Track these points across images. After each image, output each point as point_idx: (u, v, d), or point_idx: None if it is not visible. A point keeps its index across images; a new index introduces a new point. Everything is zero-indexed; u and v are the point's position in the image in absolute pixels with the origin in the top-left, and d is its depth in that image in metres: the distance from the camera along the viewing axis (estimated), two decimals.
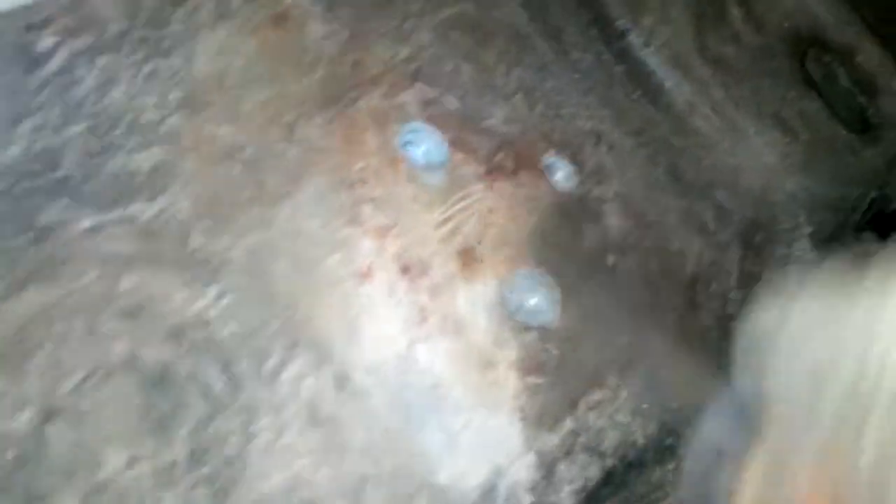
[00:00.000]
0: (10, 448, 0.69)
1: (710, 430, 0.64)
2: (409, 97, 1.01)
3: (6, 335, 0.71)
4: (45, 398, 0.71)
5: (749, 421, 0.59)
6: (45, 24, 0.69)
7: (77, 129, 0.75)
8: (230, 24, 0.83)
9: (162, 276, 0.80)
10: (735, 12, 1.28)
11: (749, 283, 1.22)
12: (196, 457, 0.74)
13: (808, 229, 1.25)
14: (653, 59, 1.21)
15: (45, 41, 0.71)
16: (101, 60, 0.75)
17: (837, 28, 1.41)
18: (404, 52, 1.02)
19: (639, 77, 1.21)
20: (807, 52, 1.35)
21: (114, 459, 0.71)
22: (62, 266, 0.75)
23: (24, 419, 0.70)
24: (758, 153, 1.21)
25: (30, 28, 0.68)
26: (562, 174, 1.10)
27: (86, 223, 0.77)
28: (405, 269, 0.93)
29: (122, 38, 0.75)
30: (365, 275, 0.90)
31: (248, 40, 0.86)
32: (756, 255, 1.23)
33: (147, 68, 0.78)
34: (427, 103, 1.02)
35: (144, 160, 0.81)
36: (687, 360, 1.12)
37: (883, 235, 1.26)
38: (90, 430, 0.71)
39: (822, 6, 1.41)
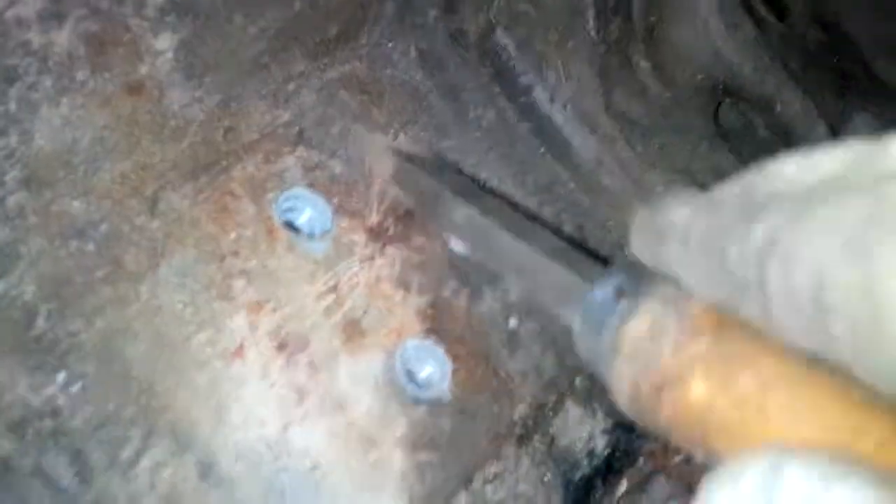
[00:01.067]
0: None
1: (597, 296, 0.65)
2: (291, 163, 0.98)
3: None
4: None
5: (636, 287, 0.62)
6: None
7: None
8: (74, 97, 0.79)
9: (4, 364, 0.75)
10: (643, 65, 1.25)
11: None
12: None
13: None
14: (559, 116, 1.17)
15: None
16: None
17: (756, 77, 1.39)
18: (285, 115, 0.99)
19: (544, 134, 1.18)
20: (721, 103, 1.32)
21: None
22: None
23: None
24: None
25: None
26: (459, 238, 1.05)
27: None
28: (281, 346, 0.89)
29: None
30: (235, 354, 0.86)
31: (98, 112, 0.82)
32: None
33: None
34: (310, 168, 0.99)
35: None
36: (597, 420, 1.09)
37: None
38: None
39: (740, 55, 1.38)
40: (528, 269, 0.84)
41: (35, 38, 0.77)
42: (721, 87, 1.36)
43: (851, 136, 1.16)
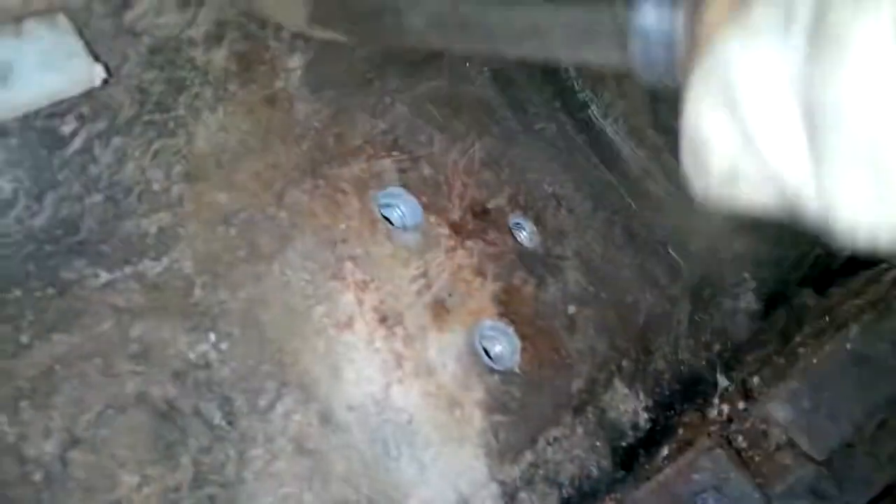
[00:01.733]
0: (38, 471, 0.82)
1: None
2: (387, 165, 1.16)
3: (35, 374, 0.84)
4: (68, 428, 0.84)
5: None
6: (66, 111, 0.82)
7: (95, 199, 0.89)
8: (227, 105, 0.97)
9: (168, 325, 0.93)
10: None
11: (698, 331, 1.36)
12: (198, 480, 0.87)
13: (752, 284, 1.39)
14: (611, 129, 1.35)
15: (67, 126, 0.85)
16: (115, 141, 0.88)
17: None
18: (382, 125, 1.16)
19: (598, 145, 1.35)
20: None
21: (127, 481, 0.84)
22: (81, 316, 0.88)
23: (49, 446, 0.82)
24: (706, 216, 1.34)
25: (53, 115, 0.82)
26: (526, 234, 1.24)
27: (102, 279, 0.90)
28: (383, 320, 1.06)
29: (133, 121, 0.89)
30: (346, 324, 1.04)
31: (243, 119, 1.00)
32: (705, 307, 1.37)
33: (154, 147, 0.92)
34: (403, 170, 1.16)
35: (152, 224, 0.95)
36: (640, 400, 1.26)
37: (820, 291, 1.40)
38: (106, 457, 0.84)
39: None
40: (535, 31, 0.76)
41: (199, 55, 0.95)
42: None
43: None
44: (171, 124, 0.93)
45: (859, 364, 1.04)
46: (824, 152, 0.48)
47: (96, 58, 0.77)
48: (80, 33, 0.77)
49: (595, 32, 0.69)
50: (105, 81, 0.77)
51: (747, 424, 1.07)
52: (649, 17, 0.61)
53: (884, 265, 1.28)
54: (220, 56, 0.96)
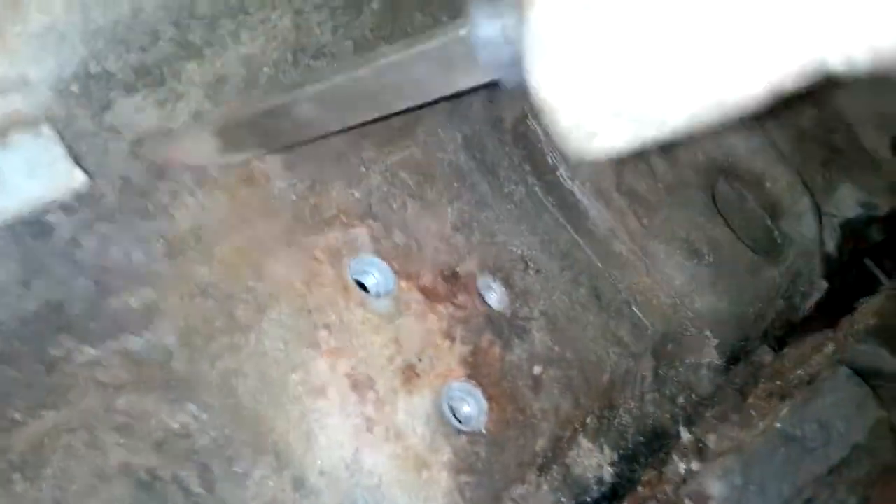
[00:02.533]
0: None
1: None
2: (362, 233, 1.23)
3: (26, 448, 0.91)
4: (57, 500, 0.90)
5: None
6: (51, 203, 0.89)
7: (80, 281, 0.96)
8: (206, 187, 1.04)
9: (150, 397, 1.00)
10: (651, 149, 1.50)
11: (663, 385, 1.43)
12: None
13: (715, 341, 1.47)
14: (578, 191, 1.42)
15: (53, 216, 0.92)
16: (99, 228, 0.95)
17: (750, 157, 1.65)
18: (357, 194, 1.23)
19: (566, 207, 1.43)
20: (717, 180, 1.58)
21: None
22: (68, 391, 0.95)
23: None
24: (669, 275, 1.42)
25: (41, 210, 0.89)
26: (495, 296, 1.31)
27: (87, 356, 0.97)
28: (354, 385, 1.13)
29: (116, 209, 0.96)
30: (320, 391, 1.10)
31: (222, 198, 1.07)
32: (669, 361, 1.44)
33: (137, 230, 0.99)
34: (377, 238, 1.23)
35: (134, 300, 1.01)
36: (604, 454, 1.33)
37: (778, 347, 1.48)
38: None
39: (736, 138, 1.64)
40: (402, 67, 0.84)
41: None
42: (718, 166, 1.62)
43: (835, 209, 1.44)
44: (152, 208, 1.00)
45: (788, 443, 1.12)
46: None
47: (77, 161, 0.84)
48: (62, 138, 0.84)
49: (447, 58, 0.77)
50: (86, 183, 0.84)
51: (695, 487, 1.14)
52: (484, 27, 0.70)
53: (829, 332, 1.36)
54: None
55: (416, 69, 0.82)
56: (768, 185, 1.63)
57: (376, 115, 0.93)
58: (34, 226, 0.90)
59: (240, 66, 1.00)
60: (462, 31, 0.73)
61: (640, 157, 1.47)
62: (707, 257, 1.45)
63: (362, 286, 1.21)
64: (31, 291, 0.91)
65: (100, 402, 0.97)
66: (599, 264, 1.42)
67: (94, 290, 0.98)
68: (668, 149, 1.52)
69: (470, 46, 0.73)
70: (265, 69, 1.03)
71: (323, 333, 1.14)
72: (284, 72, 1.05)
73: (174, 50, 0.93)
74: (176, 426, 1.00)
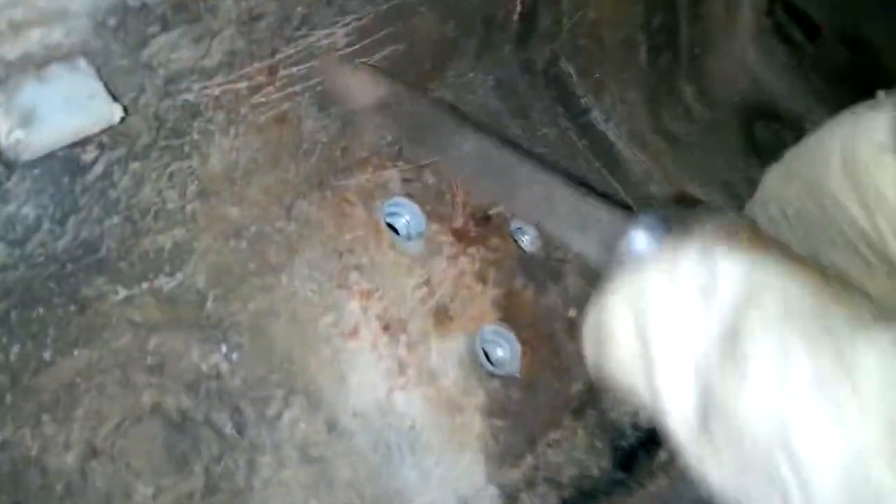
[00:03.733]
0: (59, 482, 0.89)
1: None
2: (393, 175, 1.22)
3: (57, 388, 0.91)
4: (88, 440, 0.91)
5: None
6: (87, 140, 0.89)
7: (114, 220, 0.95)
8: (238, 127, 1.04)
9: (182, 337, 1.00)
10: (688, 90, 1.48)
11: None
12: (210, 488, 0.94)
13: None
14: (613, 134, 1.41)
15: (88, 154, 0.91)
16: (133, 166, 0.95)
17: (788, 98, 1.62)
18: (388, 136, 1.22)
19: (600, 149, 1.41)
20: (755, 123, 1.56)
21: (143, 490, 0.91)
22: (101, 331, 0.95)
23: (70, 457, 0.90)
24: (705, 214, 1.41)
25: (75, 144, 0.88)
26: (527, 239, 1.30)
27: (120, 295, 0.97)
28: (386, 328, 1.13)
29: (150, 147, 0.95)
30: (352, 333, 1.10)
31: (254, 138, 1.06)
32: None
33: (170, 169, 0.99)
34: (408, 180, 1.22)
35: (167, 241, 1.01)
36: None
37: None
38: (124, 467, 0.91)
39: (773, 79, 1.62)
40: (547, 199, 0.89)
41: (212, 84, 1.01)
42: (756, 107, 1.60)
43: None
44: (186, 148, 0.99)
45: None
46: (711, 430, 0.58)
47: (114, 97, 0.83)
48: (99, 73, 0.83)
49: (589, 225, 0.82)
50: (123, 119, 0.83)
51: None
52: (638, 241, 0.73)
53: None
54: (231, 83, 1.02)
55: (564, 211, 0.87)
56: (807, 126, 1.61)
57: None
58: (70, 162, 0.89)
59: (273, 3, 0.98)
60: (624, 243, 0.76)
61: (676, 98, 1.46)
62: (746, 198, 1.43)
63: (393, 228, 1.20)
64: (65, 229, 0.91)
65: (132, 342, 0.97)
66: (635, 208, 1.40)
67: (128, 230, 0.97)
68: (704, 90, 1.50)
69: (625, 252, 0.75)
70: (299, 8, 1.01)
71: (354, 275, 1.13)
72: (318, 11, 1.04)
73: None
74: (207, 367, 1.00)
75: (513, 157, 0.94)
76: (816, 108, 1.60)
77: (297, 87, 1.07)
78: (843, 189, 0.71)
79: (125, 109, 0.82)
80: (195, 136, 0.98)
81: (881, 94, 0.86)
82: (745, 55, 1.54)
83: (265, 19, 0.97)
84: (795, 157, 0.85)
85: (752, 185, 1.46)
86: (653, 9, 1.48)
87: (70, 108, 0.79)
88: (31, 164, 0.83)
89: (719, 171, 1.45)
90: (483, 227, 1.25)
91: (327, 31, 1.06)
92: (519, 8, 1.33)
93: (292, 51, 1.05)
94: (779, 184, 0.86)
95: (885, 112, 0.71)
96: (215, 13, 0.91)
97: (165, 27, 0.86)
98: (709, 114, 1.47)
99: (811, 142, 0.86)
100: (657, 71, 1.47)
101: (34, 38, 0.78)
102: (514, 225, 1.28)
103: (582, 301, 1.25)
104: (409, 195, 1.21)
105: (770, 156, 1.55)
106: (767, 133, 1.57)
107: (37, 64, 0.77)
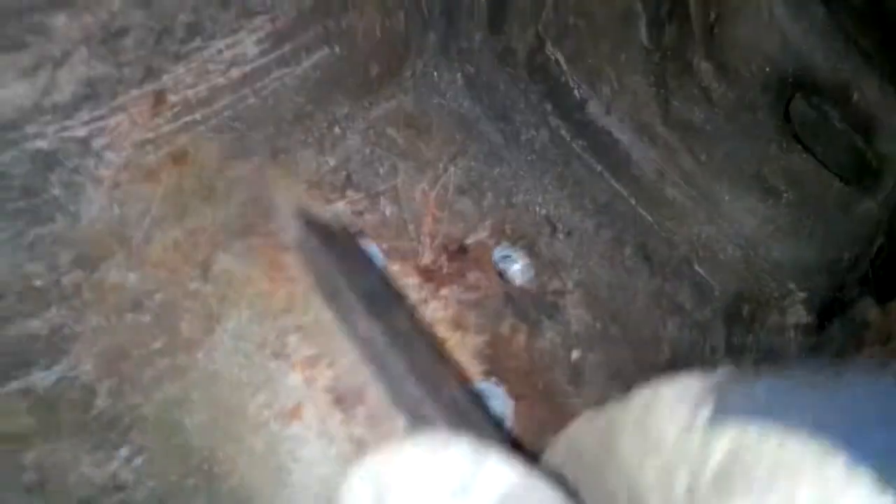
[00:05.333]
0: None
1: None
2: (340, 209, 1.02)
3: None
4: None
5: None
6: None
7: None
8: (118, 175, 0.85)
9: (65, 446, 0.81)
10: (704, 67, 1.26)
11: (741, 355, 1.20)
12: None
13: (801, 295, 1.23)
14: (616, 129, 1.19)
15: None
16: None
17: (827, 64, 1.38)
18: (332, 161, 1.03)
19: (601, 149, 1.20)
20: (791, 98, 1.33)
21: None
22: None
23: None
24: (738, 221, 1.19)
25: None
26: (516, 269, 1.09)
27: None
28: (338, 401, 0.93)
29: None
30: (292, 413, 0.91)
31: (144, 185, 0.87)
32: (745, 328, 1.21)
33: (27, 238, 0.80)
34: (360, 213, 1.03)
35: (41, 325, 0.83)
36: None
37: (883, 297, 1.23)
38: None
39: (809, 41, 1.38)
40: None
41: (77, 125, 0.82)
42: (790, 80, 1.36)
43: None
44: (45, 210, 0.80)
45: None
46: None
47: None
48: None
49: None
50: None
51: None
52: None
53: None
54: (101, 119, 0.83)
55: None
56: (855, 96, 1.37)
57: None
58: None
59: (139, 12, 0.79)
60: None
61: (690, 79, 1.23)
62: (785, 194, 1.20)
63: None
64: None
65: (1, 460, 0.78)
66: (648, 217, 1.19)
67: None
68: (724, 64, 1.27)
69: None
70: (180, 16, 0.82)
71: (293, 339, 0.94)
72: (209, 17, 0.85)
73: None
74: (103, 479, 0.82)
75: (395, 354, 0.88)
76: (865, 75, 1.36)
77: (198, 115, 0.87)
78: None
79: None
80: (56, 192, 0.79)
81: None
82: (772, 14, 1.30)
83: (131, 34, 0.77)
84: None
85: (792, 176, 1.23)
86: None
87: None
88: None
89: (751, 163, 1.22)
90: (458, 260, 1.05)
91: (228, 39, 0.86)
92: None
93: (182, 69, 0.85)
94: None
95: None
96: (48, 35, 0.72)
97: None
98: (732, 93, 1.24)
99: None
100: (663, 47, 1.24)
101: None
102: (499, 253, 1.08)
103: (587, 340, 1.05)
104: (362, 232, 1.01)
105: (812, 137, 1.33)
106: (807, 110, 1.33)
107: None
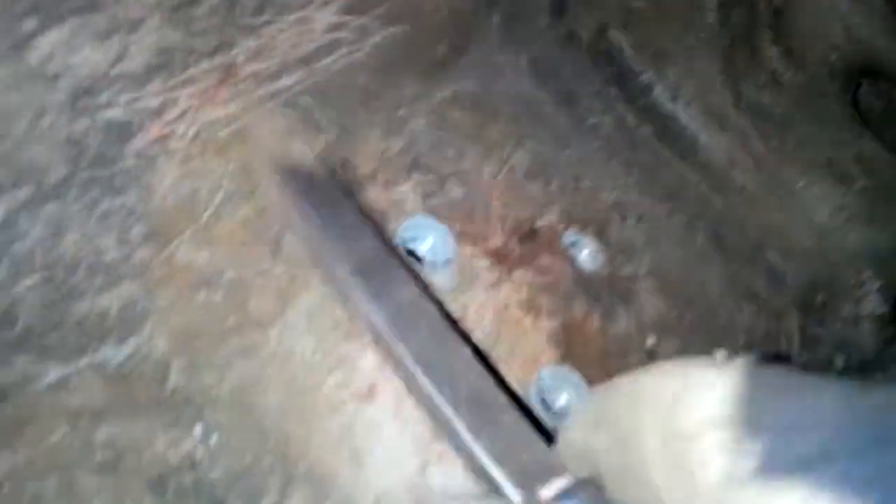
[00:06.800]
0: None
1: None
2: (408, 190, 1.01)
3: None
4: None
5: None
6: None
7: (29, 282, 0.76)
8: (191, 147, 0.84)
9: (140, 423, 0.80)
10: (771, 52, 1.24)
11: (815, 346, 1.18)
12: None
13: (876, 284, 1.20)
14: (683, 114, 1.18)
15: None
16: (45, 210, 0.75)
17: (893, 49, 1.36)
18: (398, 143, 1.01)
19: (668, 135, 1.18)
20: (860, 84, 1.31)
21: None
22: (27, 426, 0.75)
23: None
24: (811, 208, 1.16)
25: None
26: (586, 254, 1.07)
27: (51, 377, 0.77)
28: None
29: (65, 184, 0.76)
30: (367, 395, 0.89)
31: (214, 160, 0.86)
32: (819, 317, 1.19)
33: (100, 209, 0.79)
34: (428, 195, 1.01)
35: (112, 300, 0.81)
36: None
37: None
38: None
39: (876, 28, 1.36)
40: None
41: (143, 91, 0.81)
42: (857, 66, 1.34)
43: None
44: (118, 181, 0.79)
45: None
46: None
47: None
48: None
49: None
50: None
51: None
52: None
53: None
54: (173, 90, 0.82)
55: None
56: None
57: None
58: None
59: None
60: None
61: (758, 63, 1.21)
62: (857, 181, 1.18)
63: (415, 256, 0.99)
64: None
65: (72, 436, 0.77)
66: (719, 203, 1.17)
67: (50, 293, 0.77)
68: (791, 50, 1.25)
69: None
70: None
71: None
72: None
73: None
74: (178, 458, 0.80)
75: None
76: None
77: (266, 90, 0.86)
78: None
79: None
80: (129, 163, 0.78)
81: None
82: (833, 1, 1.29)
83: (204, 3, 0.76)
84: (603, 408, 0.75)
85: (864, 163, 1.21)
86: None
87: None
88: None
89: (822, 149, 1.20)
90: (529, 243, 1.03)
91: (298, 14, 0.85)
92: None
93: (253, 43, 0.84)
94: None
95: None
96: None
97: (46, 21, 0.66)
98: (801, 79, 1.22)
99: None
100: (731, 31, 1.23)
101: None
102: (568, 238, 1.06)
103: (661, 326, 1.03)
104: (432, 212, 0.99)
105: (880, 124, 1.30)
106: (874, 97, 1.31)
107: None
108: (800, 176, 1.18)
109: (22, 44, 0.69)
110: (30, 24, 0.68)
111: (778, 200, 1.17)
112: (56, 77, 0.72)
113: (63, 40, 0.71)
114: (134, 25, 0.75)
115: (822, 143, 1.21)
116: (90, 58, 0.73)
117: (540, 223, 1.06)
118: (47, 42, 0.70)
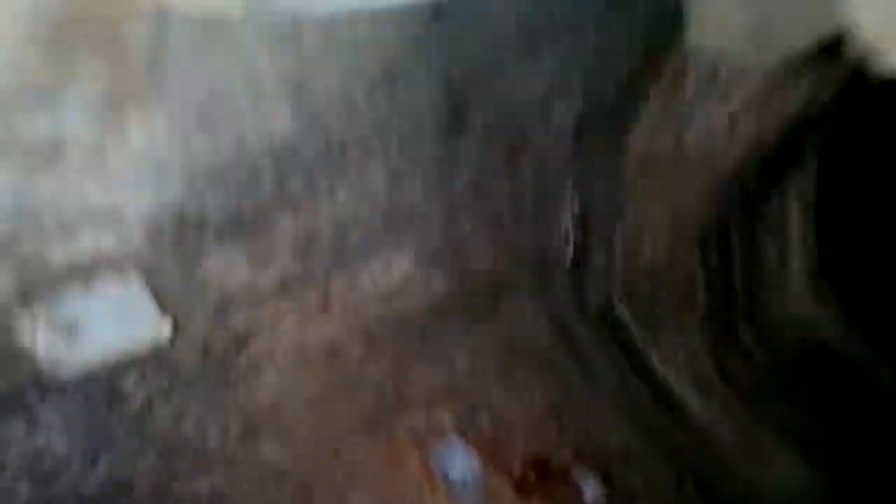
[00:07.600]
0: None
1: None
2: (446, 416, 1.14)
3: None
4: None
5: None
6: (130, 364, 0.82)
7: (149, 459, 0.87)
8: (287, 358, 0.97)
9: None
10: (745, 331, 1.43)
11: None
12: None
13: None
14: (673, 379, 1.34)
15: (129, 381, 0.84)
16: (176, 398, 0.88)
17: (845, 343, 1.57)
18: (441, 373, 1.16)
19: (662, 397, 1.34)
20: (818, 370, 1.50)
21: None
22: None
23: None
24: (782, 474, 1.32)
25: (115, 369, 0.81)
26: (591, 494, 1.20)
27: None
28: None
29: (195, 378, 0.89)
30: None
31: (302, 372, 0.99)
32: None
33: (214, 404, 0.92)
34: (462, 421, 1.15)
35: (203, 485, 0.92)
36: None
37: None
38: None
39: (830, 320, 1.57)
40: None
41: (265, 309, 0.95)
42: (816, 352, 1.55)
43: None
44: (233, 379, 0.92)
45: None
46: None
47: (163, 313, 0.77)
48: (150, 287, 0.78)
49: None
50: (171, 342, 0.77)
51: None
52: None
53: None
54: (283, 310, 0.97)
55: None
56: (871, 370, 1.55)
57: None
58: (109, 390, 0.82)
59: (329, 224, 0.95)
60: None
61: (735, 342, 1.41)
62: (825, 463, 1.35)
63: (446, 476, 1.12)
64: (97, 469, 0.83)
65: None
66: (705, 459, 1.32)
67: (162, 470, 0.89)
68: (762, 331, 1.45)
69: None
70: (356, 233, 0.98)
71: None
72: (375, 238, 1.01)
73: (271, 199, 0.88)
74: None
75: None
76: (869, 355, 1.55)
77: (350, 320, 1.01)
78: None
79: (174, 329, 0.76)
80: (242, 365, 0.92)
81: None
82: (799, 300, 1.51)
83: (320, 241, 0.92)
84: None
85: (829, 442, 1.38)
86: (708, 249, 1.46)
87: (117, 322, 0.73)
88: (68, 388, 0.76)
89: (793, 424, 1.37)
90: (544, 476, 1.16)
91: (382, 262, 1.02)
92: (570, 246, 1.30)
93: (345, 278, 1.00)
94: None
95: None
96: (273, 231, 0.87)
97: (222, 243, 0.81)
98: (768, 357, 1.41)
99: None
100: (714, 310, 1.43)
101: (84, 243, 0.72)
102: (578, 474, 1.19)
103: None
104: (464, 438, 1.13)
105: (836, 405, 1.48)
106: (826, 381, 1.51)
107: (84, 271, 0.72)
108: (773, 445, 1.34)
109: (197, 257, 0.83)
110: (211, 244, 0.83)
111: (755, 461, 1.32)
112: (211, 286, 0.86)
113: (228, 258, 0.85)
114: (274, 253, 0.90)
115: (791, 418, 1.39)
116: (237, 277, 0.88)
117: (554, 459, 1.19)
118: (217, 258, 0.84)
